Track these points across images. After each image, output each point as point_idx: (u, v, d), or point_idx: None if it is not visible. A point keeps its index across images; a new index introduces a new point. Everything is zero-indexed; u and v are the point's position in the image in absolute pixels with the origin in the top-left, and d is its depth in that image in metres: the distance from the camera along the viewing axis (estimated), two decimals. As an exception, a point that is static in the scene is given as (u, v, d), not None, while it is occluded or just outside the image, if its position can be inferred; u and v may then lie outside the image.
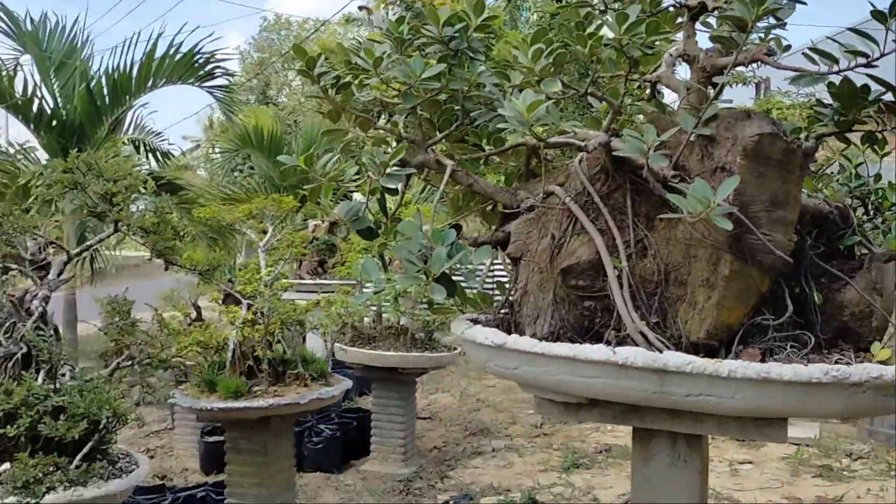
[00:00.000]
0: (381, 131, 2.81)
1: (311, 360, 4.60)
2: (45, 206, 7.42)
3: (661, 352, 1.98)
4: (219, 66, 8.27)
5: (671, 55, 2.46)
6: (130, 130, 9.03)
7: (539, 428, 7.07)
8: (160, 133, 9.30)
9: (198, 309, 5.58)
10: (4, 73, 7.60)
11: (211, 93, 8.54)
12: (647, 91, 2.70)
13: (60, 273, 3.10)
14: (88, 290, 8.35)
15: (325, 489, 5.71)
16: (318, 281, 8.24)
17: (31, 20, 8.13)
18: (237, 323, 4.36)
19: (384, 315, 6.22)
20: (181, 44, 7.97)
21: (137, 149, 9.36)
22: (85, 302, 6.40)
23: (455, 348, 6.29)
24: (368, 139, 2.99)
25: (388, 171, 2.44)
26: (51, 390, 2.66)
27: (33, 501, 2.51)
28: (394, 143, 2.89)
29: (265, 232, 4.92)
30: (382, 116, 2.91)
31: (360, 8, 23.64)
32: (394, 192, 2.53)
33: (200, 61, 8.15)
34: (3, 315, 3.54)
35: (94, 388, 2.66)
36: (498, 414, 7.64)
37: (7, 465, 2.90)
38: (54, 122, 8.02)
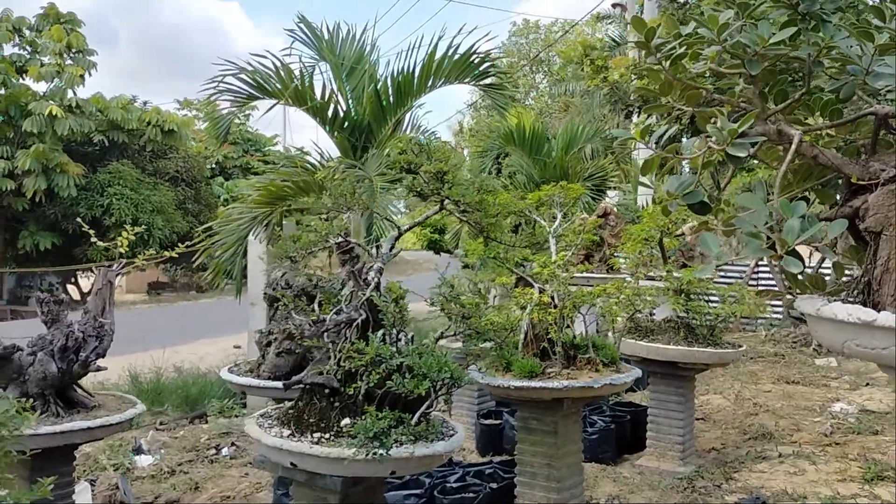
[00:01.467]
0: (713, 102, 2.73)
1: (602, 346, 4.60)
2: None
3: None
4: (493, 65, 8.58)
5: None
6: (408, 130, 9.61)
7: (829, 436, 6.53)
8: (434, 132, 9.80)
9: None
10: (307, 79, 8.45)
11: (485, 91, 8.88)
12: None
13: (392, 247, 3.35)
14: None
15: (602, 479, 5.69)
16: (586, 274, 8.22)
17: (328, 30, 8.98)
18: (530, 305, 4.46)
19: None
20: (459, 45, 8.37)
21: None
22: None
23: (740, 345, 5.99)
24: (694, 112, 2.91)
25: (734, 140, 2.36)
26: (394, 352, 2.88)
27: (382, 452, 2.73)
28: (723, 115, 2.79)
29: (554, 219, 4.99)
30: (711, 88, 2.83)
31: (614, 5, 23.44)
32: (739, 161, 2.43)
33: (475, 61, 8.50)
34: (334, 286, 3.90)
35: (431, 352, 2.84)
36: (779, 420, 7.17)
37: (348, 420, 3.19)
38: (346, 124, 8.76)
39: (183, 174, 26.06)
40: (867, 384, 8.57)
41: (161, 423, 8.31)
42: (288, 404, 3.49)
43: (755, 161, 3.22)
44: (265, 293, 5.68)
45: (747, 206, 2.44)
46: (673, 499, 5.20)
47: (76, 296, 23.88)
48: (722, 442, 6.62)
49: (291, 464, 3.10)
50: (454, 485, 4.81)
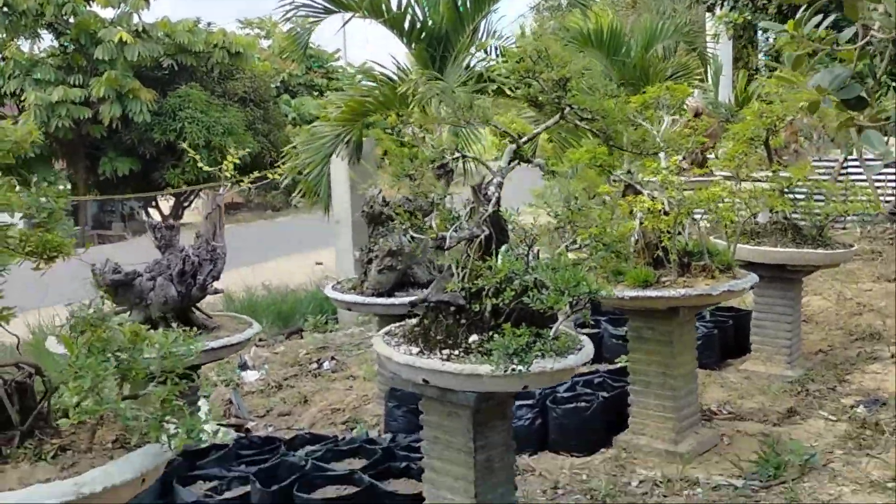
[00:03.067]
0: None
1: (716, 252, 4.47)
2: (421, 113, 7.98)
3: None
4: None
5: None
6: (485, 37, 9.31)
7: (942, 334, 6.32)
8: (508, 38, 9.47)
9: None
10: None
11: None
12: None
13: (511, 161, 3.26)
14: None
15: (709, 385, 5.64)
16: (698, 179, 7.88)
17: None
18: (642, 213, 4.33)
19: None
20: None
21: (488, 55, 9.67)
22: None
23: (850, 245, 5.77)
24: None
25: (908, 26, 2.17)
26: (527, 267, 2.83)
27: (522, 368, 2.71)
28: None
29: (660, 122, 4.80)
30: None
31: None
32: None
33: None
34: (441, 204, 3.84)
35: (566, 266, 2.78)
36: (885, 319, 6.95)
37: (476, 337, 3.18)
38: (423, 34, 8.55)
39: (251, 94, 26.11)
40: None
41: (260, 340, 8.57)
42: (412, 322, 3.49)
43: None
44: (363, 211, 5.68)
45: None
46: (787, 403, 5.13)
47: (158, 219, 24.51)
48: (829, 344, 6.47)
49: (424, 380, 3.12)
50: (565, 395, 4.82)
